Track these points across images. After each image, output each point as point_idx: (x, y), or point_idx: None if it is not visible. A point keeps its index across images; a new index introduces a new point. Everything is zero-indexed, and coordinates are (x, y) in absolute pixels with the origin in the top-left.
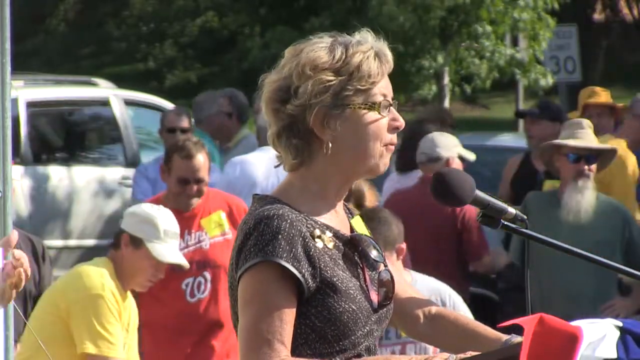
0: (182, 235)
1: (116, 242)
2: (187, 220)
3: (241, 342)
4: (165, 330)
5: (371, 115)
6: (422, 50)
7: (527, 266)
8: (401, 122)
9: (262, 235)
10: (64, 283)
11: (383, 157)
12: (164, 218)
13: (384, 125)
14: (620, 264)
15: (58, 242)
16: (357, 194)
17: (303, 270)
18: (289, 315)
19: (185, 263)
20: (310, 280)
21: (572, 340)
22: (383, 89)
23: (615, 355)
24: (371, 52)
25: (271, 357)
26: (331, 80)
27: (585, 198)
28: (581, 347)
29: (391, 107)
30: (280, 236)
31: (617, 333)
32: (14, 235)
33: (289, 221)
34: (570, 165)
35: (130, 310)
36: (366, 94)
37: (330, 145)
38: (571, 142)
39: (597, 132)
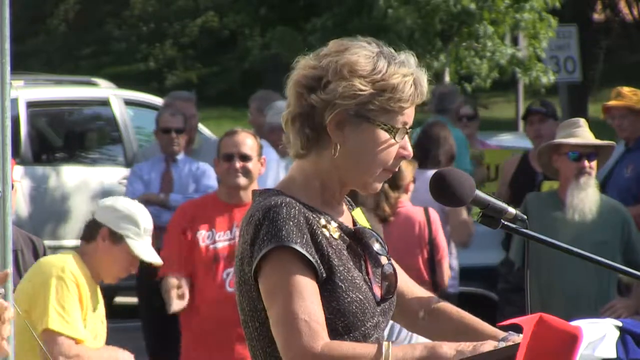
0: (230, 228)
1: (89, 234)
2: (237, 214)
3: (278, 330)
4: (203, 319)
5: (385, 137)
6: (425, 51)
7: (527, 266)
8: (409, 153)
9: (274, 223)
10: (29, 274)
11: (379, 178)
12: (144, 215)
13: (393, 150)
14: (620, 264)
15: (58, 242)
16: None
17: (315, 256)
18: (317, 297)
19: (159, 261)
20: (322, 266)
21: (572, 340)
22: (407, 117)
23: (614, 355)
24: (410, 78)
25: (314, 339)
26: (363, 90)
27: (589, 195)
28: (581, 347)
29: (406, 136)
30: (291, 222)
31: (617, 333)
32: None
33: (297, 208)
34: (571, 163)
35: (100, 301)
36: (389, 116)
37: (338, 147)
38: (571, 140)
39: (621, 132)
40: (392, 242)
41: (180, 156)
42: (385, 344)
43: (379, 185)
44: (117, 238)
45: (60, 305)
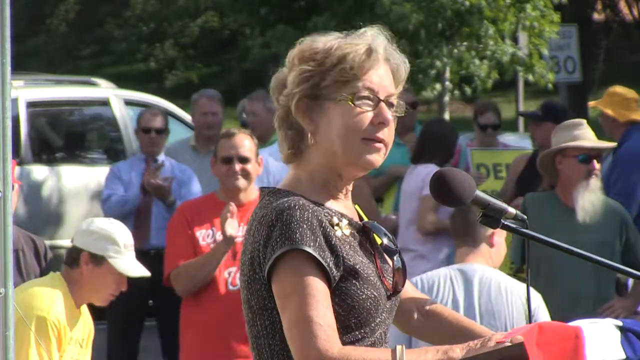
0: None
1: (72, 260)
2: (240, 214)
3: (293, 332)
4: (204, 317)
5: (348, 108)
6: (427, 50)
7: (527, 266)
8: (385, 118)
9: (287, 225)
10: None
11: (365, 151)
12: (121, 231)
13: (362, 118)
14: (619, 264)
15: (57, 242)
16: None
17: (327, 260)
18: (329, 302)
19: (147, 274)
20: (334, 269)
21: (575, 340)
22: (368, 82)
23: (623, 356)
24: (362, 46)
25: (330, 343)
26: (311, 70)
27: (597, 198)
28: (586, 350)
29: (381, 103)
30: (305, 225)
31: (618, 333)
32: None
33: (310, 211)
34: (579, 165)
35: (83, 325)
36: (347, 86)
37: (313, 136)
38: (586, 144)
39: (609, 130)
40: None
41: (161, 157)
42: (398, 347)
43: (373, 158)
44: (98, 260)
45: (39, 352)
